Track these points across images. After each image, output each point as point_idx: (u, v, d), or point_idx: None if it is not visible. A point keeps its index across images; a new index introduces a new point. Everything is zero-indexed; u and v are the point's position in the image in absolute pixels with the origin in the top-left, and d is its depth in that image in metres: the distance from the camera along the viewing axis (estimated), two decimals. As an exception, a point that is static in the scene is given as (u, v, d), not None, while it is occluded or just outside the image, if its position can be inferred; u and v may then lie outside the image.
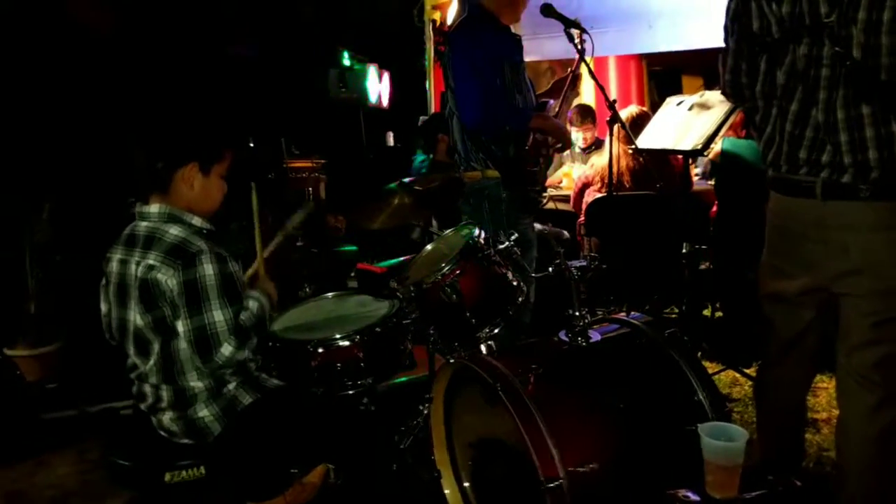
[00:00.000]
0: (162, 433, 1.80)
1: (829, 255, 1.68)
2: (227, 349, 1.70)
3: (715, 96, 3.05)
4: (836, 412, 2.22)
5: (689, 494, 1.41)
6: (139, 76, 4.51)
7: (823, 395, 2.95)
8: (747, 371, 3.21)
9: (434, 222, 3.66)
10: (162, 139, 1.78)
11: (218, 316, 1.69)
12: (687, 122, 3.11)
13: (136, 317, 1.74)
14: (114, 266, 1.79)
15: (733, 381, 3.22)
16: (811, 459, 2.42)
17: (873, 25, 1.49)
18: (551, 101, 3.05)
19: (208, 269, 1.68)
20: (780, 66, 1.67)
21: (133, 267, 1.73)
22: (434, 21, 5.27)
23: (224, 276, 1.71)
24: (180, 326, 1.69)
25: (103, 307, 1.86)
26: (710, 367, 3.29)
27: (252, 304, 1.81)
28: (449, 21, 5.00)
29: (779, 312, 1.88)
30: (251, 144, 5.24)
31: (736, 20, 1.77)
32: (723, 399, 1.88)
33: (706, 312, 3.91)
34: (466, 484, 2.06)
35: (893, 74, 1.51)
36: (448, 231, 2.41)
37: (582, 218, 3.98)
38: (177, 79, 4.77)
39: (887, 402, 1.67)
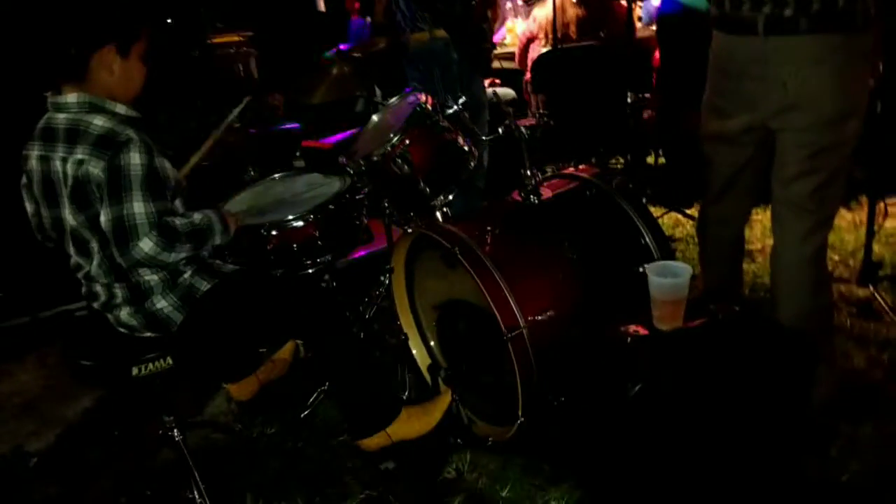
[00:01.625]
0: (121, 329, 1.78)
1: (768, 91, 1.70)
2: (146, 244, 1.61)
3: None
4: (769, 242, 2.37)
5: (639, 329, 1.51)
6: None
7: (758, 226, 3.13)
8: (688, 212, 3.35)
9: (378, 91, 3.53)
10: (73, 21, 1.61)
11: (138, 208, 1.59)
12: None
13: (70, 216, 1.66)
14: (34, 164, 1.68)
15: (676, 223, 3.38)
16: (747, 286, 2.61)
17: None
18: None
19: (135, 159, 1.59)
20: None
21: (58, 164, 1.63)
22: None
23: (150, 169, 1.61)
24: (102, 216, 1.61)
25: (29, 207, 1.75)
26: (655, 211, 3.41)
27: (196, 216, 1.74)
28: None
29: (719, 151, 1.92)
30: (168, 21, 4.82)
31: None
32: (667, 240, 1.96)
33: (650, 160, 4.01)
34: (432, 343, 2.16)
35: None
36: (393, 99, 2.34)
37: (528, 75, 3.90)
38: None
39: (819, 227, 1.79)
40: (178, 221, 1.67)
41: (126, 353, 1.74)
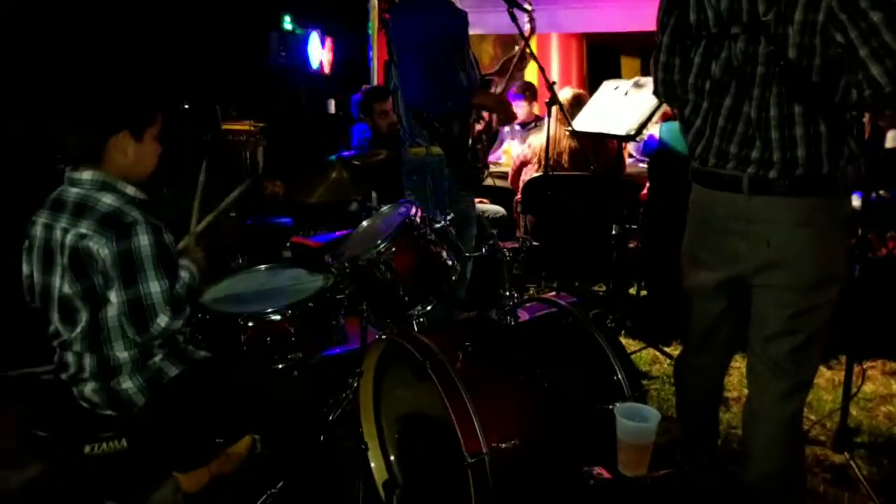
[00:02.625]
0: (83, 404, 1.76)
1: (751, 249, 1.72)
2: (162, 320, 1.68)
3: (649, 82, 3.13)
4: (746, 391, 2.37)
5: (602, 472, 1.49)
6: (62, 40, 4.25)
7: (736, 374, 3.13)
8: (667, 349, 3.36)
9: (374, 195, 3.65)
10: (89, 111, 1.70)
11: (154, 287, 1.66)
12: (621, 107, 3.19)
13: (63, 284, 1.68)
14: (38, 230, 1.73)
15: (654, 359, 3.37)
16: (721, 436, 2.57)
17: (808, 27, 1.54)
18: (496, 79, 3.07)
19: (144, 240, 1.65)
20: (716, 61, 1.70)
21: (59, 233, 1.67)
22: (379, -12, 5.17)
23: (160, 247, 1.68)
24: (114, 297, 1.65)
25: (25, 269, 1.80)
26: (633, 344, 3.43)
27: (184, 274, 1.79)
28: (395, -11, 4.92)
29: (696, 303, 1.93)
30: (185, 106, 5.04)
31: (670, 12, 1.78)
32: (640, 379, 1.97)
33: (632, 291, 4.07)
34: (392, 457, 2.11)
35: (824, 76, 1.57)
36: (385, 207, 2.42)
37: (519, 196, 4.04)
38: (101, 42, 4.51)
39: (797, 389, 1.77)
40: (178, 287, 1.72)
41: (82, 429, 1.71)
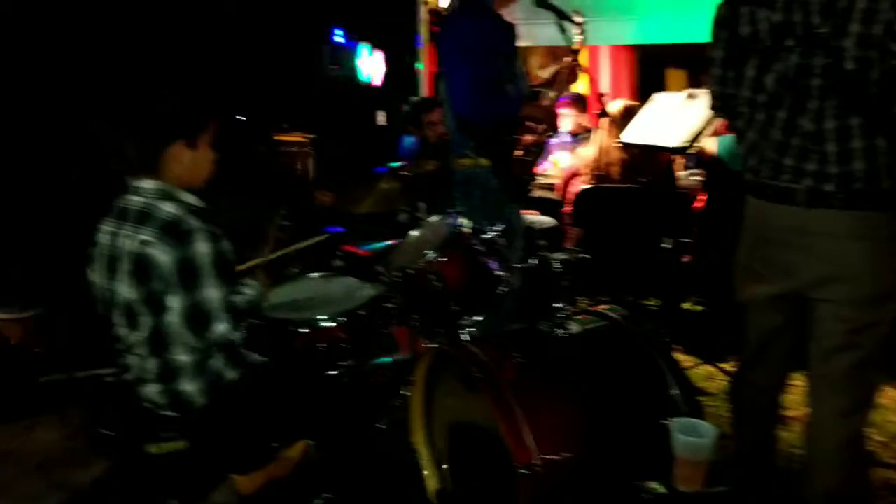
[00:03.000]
0: (146, 404, 1.83)
1: (809, 262, 1.70)
2: (220, 326, 1.73)
3: (703, 94, 3.09)
4: (806, 410, 2.30)
5: (657, 486, 1.47)
6: (119, 50, 4.44)
7: (797, 392, 3.03)
8: (723, 366, 3.27)
9: (422, 206, 3.68)
10: (144, 123, 1.77)
11: (212, 294, 1.71)
12: (673, 119, 3.14)
13: (126, 290, 1.75)
14: (104, 238, 1.81)
15: (709, 376, 3.28)
16: (780, 456, 2.49)
17: (866, 39, 1.52)
18: (545, 91, 3.07)
19: (203, 248, 1.70)
20: (771, 73, 1.68)
21: (124, 241, 1.75)
22: (428, 2, 5.24)
23: (218, 255, 1.73)
24: (174, 302, 1.71)
25: (92, 277, 1.88)
26: (687, 360, 3.34)
27: (248, 291, 1.85)
28: (444, 3, 4.98)
29: (752, 317, 1.91)
30: (240, 118, 5.20)
31: (723, 26, 1.77)
32: (695, 394, 1.93)
33: (686, 306, 3.98)
34: (444, 465, 2.11)
35: (882, 87, 1.54)
36: (434, 218, 2.44)
37: (568, 207, 4.02)
38: (155, 55, 4.70)
39: (858, 406, 1.72)
40: (237, 299, 1.76)
41: (145, 429, 1.77)
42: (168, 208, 1.75)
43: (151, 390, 1.81)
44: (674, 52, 5.75)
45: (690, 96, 3.16)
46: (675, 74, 6.78)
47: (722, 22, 1.77)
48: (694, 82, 5.37)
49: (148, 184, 1.78)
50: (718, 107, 1.88)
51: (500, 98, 2.70)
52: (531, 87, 2.96)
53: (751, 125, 1.77)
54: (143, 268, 1.71)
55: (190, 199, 1.81)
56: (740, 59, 1.76)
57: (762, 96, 1.72)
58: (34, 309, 3.57)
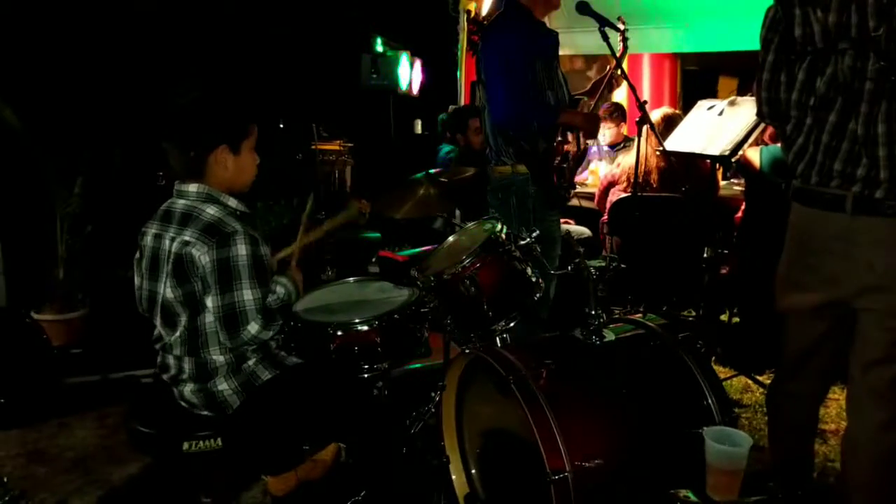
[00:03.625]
0: (182, 404, 1.87)
1: (854, 270, 1.67)
2: (253, 327, 1.77)
3: (746, 102, 3.03)
4: (844, 424, 2.23)
5: (690, 495, 1.44)
6: (167, 58, 4.58)
7: (834, 406, 2.94)
8: (759, 378, 3.21)
9: (458, 213, 3.69)
10: (189, 131, 1.82)
11: (247, 295, 1.75)
12: (716, 127, 3.09)
13: (166, 290, 1.80)
14: (148, 240, 1.86)
15: (745, 387, 3.22)
16: (816, 469, 2.43)
17: None
18: (585, 99, 3.05)
19: (241, 250, 1.74)
20: (821, 76, 1.65)
21: (167, 242, 1.80)
22: (469, 11, 5.26)
23: (256, 259, 1.77)
24: (210, 302, 1.76)
25: (136, 280, 1.93)
26: (723, 372, 3.29)
27: (280, 290, 1.88)
28: (484, 12, 5.00)
29: (794, 326, 1.87)
30: (280, 125, 5.31)
31: (774, 29, 1.74)
32: (731, 405, 1.89)
33: (723, 317, 3.90)
34: (473, 471, 2.11)
35: None
36: (471, 224, 2.45)
37: (605, 216, 3.98)
38: (199, 63, 4.82)
39: None
40: (270, 299, 1.80)
41: (181, 427, 1.81)
42: (211, 211, 1.79)
43: (188, 389, 1.85)
44: (726, 60, 5.69)
45: (732, 103, 3.11)
46: (726, 83, 6.70)
47: (772, 25, 1.74)
48: (745, 90, 5.28)
49: (192, 187, 1.83)
50: (767, 113, 1.83)
51: (538, 105, 2.70)
52: (571, 96, 2.95)
53: (799, 130, 1.74)
54: (183, 267, 1.76)
55: (232, 202, 1.85)
56: (791, 63, 1.72)
57: (812, 99, 1.69)
58: (79, 310, 3.71)
